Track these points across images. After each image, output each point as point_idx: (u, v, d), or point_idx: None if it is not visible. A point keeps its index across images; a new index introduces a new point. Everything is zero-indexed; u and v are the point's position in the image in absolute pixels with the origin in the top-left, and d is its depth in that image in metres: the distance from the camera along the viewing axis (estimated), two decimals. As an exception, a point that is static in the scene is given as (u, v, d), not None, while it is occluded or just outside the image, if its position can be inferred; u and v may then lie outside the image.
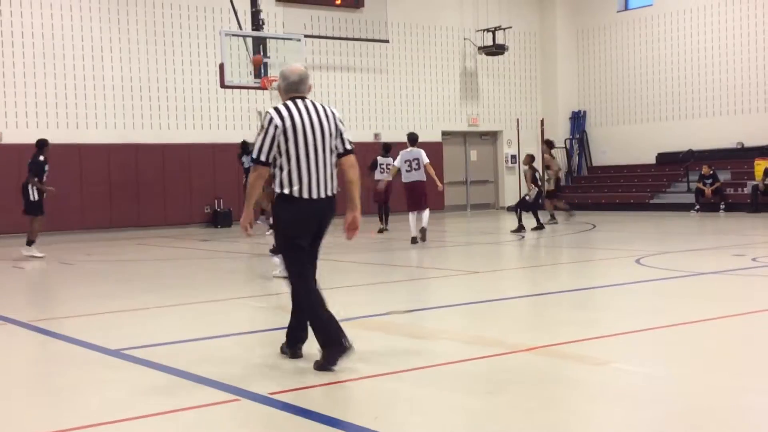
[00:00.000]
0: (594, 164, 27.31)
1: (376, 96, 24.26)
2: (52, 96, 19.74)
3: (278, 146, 5.30)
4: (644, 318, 6.98)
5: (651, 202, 23.64)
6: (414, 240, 14.21)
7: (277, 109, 5.36)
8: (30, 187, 14.19)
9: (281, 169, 5.31)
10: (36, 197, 14.20)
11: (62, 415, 4.60)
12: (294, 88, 5.48)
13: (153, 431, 4.28)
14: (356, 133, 22.77)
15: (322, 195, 5.34)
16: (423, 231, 14.14)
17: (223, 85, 18.24)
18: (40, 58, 19.61)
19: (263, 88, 18.16)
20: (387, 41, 23.99)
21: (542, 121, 27.16)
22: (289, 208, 5.33)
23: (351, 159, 5.51)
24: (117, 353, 6.01)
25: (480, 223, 18.70)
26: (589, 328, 6.75)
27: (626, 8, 26.44)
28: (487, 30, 25.54)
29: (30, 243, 14.14)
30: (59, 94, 19.83)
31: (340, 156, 5.48)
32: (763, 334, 6.34)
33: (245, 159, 17.96)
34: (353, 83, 23.91)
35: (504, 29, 25.48)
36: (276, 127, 5.28)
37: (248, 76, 18.27)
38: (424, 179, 14.47)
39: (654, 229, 17.20)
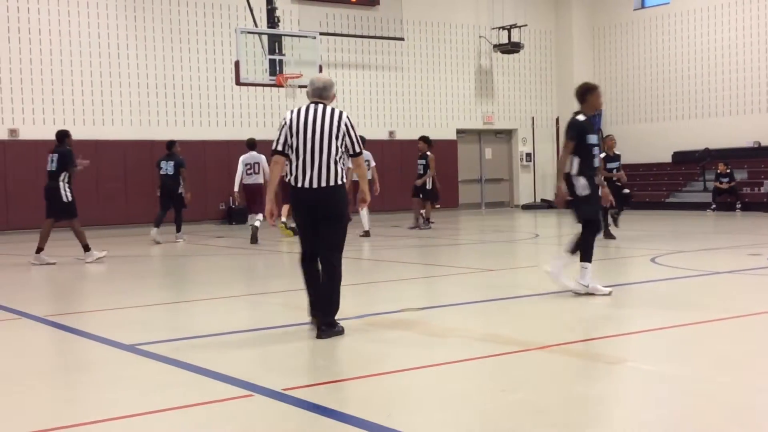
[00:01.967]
0: (609, 163, 27.15)
1: (391, 94, 24.26)
2: (68, 92, 19.86)
3: (288, 140, 6.18)
4: (659, 317, 6.94)
5: (667, 200, 23.53)
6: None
7: (292, 110, 6.26)
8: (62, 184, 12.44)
9: (289, 160, 6.24)
10: (70, 197, 12.44)
11: (76, 409, 4.62)
12: (317, 94, 6.33)
13: (166, 426, 4.30)
14: (371, 130, 22.78)
15: (314, 185, 6.11)
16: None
17: (238, 83, 18.30)
18: (56, 55, 19.73)
19: (279, 85, 18.22)
20: (402, 39, 23.99)
21: (557, 120, 27.10)
22: (291, 194, 6.25)
23: (357, 160, 6.47)
24: (132, 348, 6.04)
25: (494, 222, 18.68)
26: (604, 326, 6.74)
27: (643, 6, 26.31)
28: (503, 28, 25.49)
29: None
30: (76, 90, 19.95)
31: (351, 156, 6.36)
32: (780, 333, 6.30)
33: (164, 164, 16.56)
34: (368, 81, 23.92)
35: (519, 27, 25.42)
36: (284, 124, 6.23)
37: (264, 74, 18.33)
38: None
39: (669, 228, 17.11)
